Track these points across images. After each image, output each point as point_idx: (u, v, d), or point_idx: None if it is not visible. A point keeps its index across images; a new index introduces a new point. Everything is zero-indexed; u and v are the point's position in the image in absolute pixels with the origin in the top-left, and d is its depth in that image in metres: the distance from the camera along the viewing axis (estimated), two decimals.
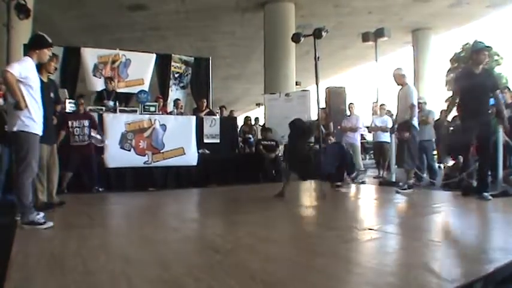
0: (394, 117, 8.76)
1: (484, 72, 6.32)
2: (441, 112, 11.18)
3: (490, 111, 6.49)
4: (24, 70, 4.31)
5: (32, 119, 4.38)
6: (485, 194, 5.98)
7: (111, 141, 8.47)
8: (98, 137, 8.08)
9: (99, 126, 8.19)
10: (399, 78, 7.61)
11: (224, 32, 18.55)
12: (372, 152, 16.23)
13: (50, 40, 4.77)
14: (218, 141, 10.08)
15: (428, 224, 4.78)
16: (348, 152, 8.41)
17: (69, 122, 7.50)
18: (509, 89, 9.12)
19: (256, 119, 14.81)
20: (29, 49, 4.70)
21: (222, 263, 2.91)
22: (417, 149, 7.70)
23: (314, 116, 10.62)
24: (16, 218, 4.45)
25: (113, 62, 11.28)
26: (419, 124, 7.95)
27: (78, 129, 7.57)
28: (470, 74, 6.36)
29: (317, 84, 9.13)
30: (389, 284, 2.45)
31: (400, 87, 7.66)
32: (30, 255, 3.17)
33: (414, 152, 7.46)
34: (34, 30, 10.57)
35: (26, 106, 4.28)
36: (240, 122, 13.65)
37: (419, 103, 9.42)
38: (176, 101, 11.31)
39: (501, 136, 7.16)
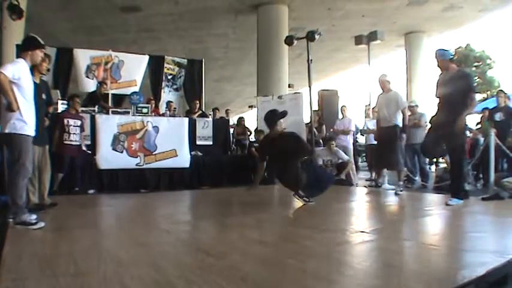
0: (373, 121, 8.88)
1: (454, 75, 6.11)
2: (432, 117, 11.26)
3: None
4: (17, 71, 4.33)
5: (24, 121, 4.40)
6: (452, 200, 5.91)
7: (103, 142, 8.45)
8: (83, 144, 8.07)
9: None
10: (385, 84, 7.74)
11: (217, 34, 18.52)
12: (364, 154, 16.28)
13: (42, 42, 4.81)
14: (211, 143, 10.07)
15: (420, 226, 4.80)
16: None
17: (65, 120, 7.44)
18: (503, 92, 9.18)
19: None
20: (22, 51, 4.75)
21: (214, 265, 2.91)
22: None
23: (307, 119, 10.67)
24: (8, 219, 4.44)
25: (106, 63, 11.24)
26: (412, 127, 8.11)
27: (73, 128, 7.53)
28: (442, 80, 6.28)
29: (310, 86, 9.17)
30: (381, 286, 2.46)
31: (382, 92, 7.84)
32: (21, 256, 3.14)
33: (402, 153, 7.74)
34: (27, 30, 10.53)
35: (18, 108, 4.29)
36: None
37: (411, 106, 9.57)
38: (168, 103, 11.32)
39: (493, 139, 7.20)
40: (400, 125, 7.49)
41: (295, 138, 6.19)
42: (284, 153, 5.97)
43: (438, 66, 6.30)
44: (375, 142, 10.34)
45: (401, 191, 7.38)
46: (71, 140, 7.48)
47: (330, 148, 9.76)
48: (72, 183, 7.79)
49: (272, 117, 6.23)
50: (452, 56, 6.42)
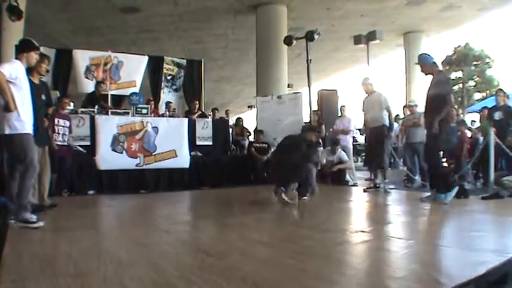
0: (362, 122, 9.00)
1: (436, 80, 6.25)
2: None
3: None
4: (14, 71, 4.36)
5: (22, 120, 4.42)
6: (441, 195, 5.98)
7: (103, 143, 8.44)
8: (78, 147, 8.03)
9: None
10: (368, 87, 8.00)
11: (216, 34, 18.51)
12: (363, 154, 16.26)
13: (36, 44, 4.88)
14: (210, 143, 10.05)
15: (419, 226, 4.81)
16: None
17: (56, 120, 7.31)
18: (502, 91, 9.16)
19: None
20: (18, 53, 4.82)
21: (214, 265, 2.91)
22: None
23: (306, 118, 10.66)
24: (8, 220, 4.45)
25: (105, 64, 11.20)
26: (411, 126, 8.20)
27: (62, 128, 7.46)
28: (430, 83, 6.37)
29: (309, 86, 9.18)
30: (381, 285, 2.46)
31: (366, 95, 8.22)
32: (21, 257, 3.15)
33: (388, 152, 8.12)
34: (26, 31, 10.52)
35: (16, 108, 4.30)
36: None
37: (410, 106, 9.61)
38: (168, 104, 11.30)
39: (492, 138, 7.21)
40: (387, 124, 7.77)
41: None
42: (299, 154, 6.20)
43: (422, 71, 6.40)
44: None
45: (390, 188, 7.59)
46: (59, 141, 7.40)
47: (334, 151, 9.82)
48: (63, 185, 7.70)
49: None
50: (434, 60, 6.45)
